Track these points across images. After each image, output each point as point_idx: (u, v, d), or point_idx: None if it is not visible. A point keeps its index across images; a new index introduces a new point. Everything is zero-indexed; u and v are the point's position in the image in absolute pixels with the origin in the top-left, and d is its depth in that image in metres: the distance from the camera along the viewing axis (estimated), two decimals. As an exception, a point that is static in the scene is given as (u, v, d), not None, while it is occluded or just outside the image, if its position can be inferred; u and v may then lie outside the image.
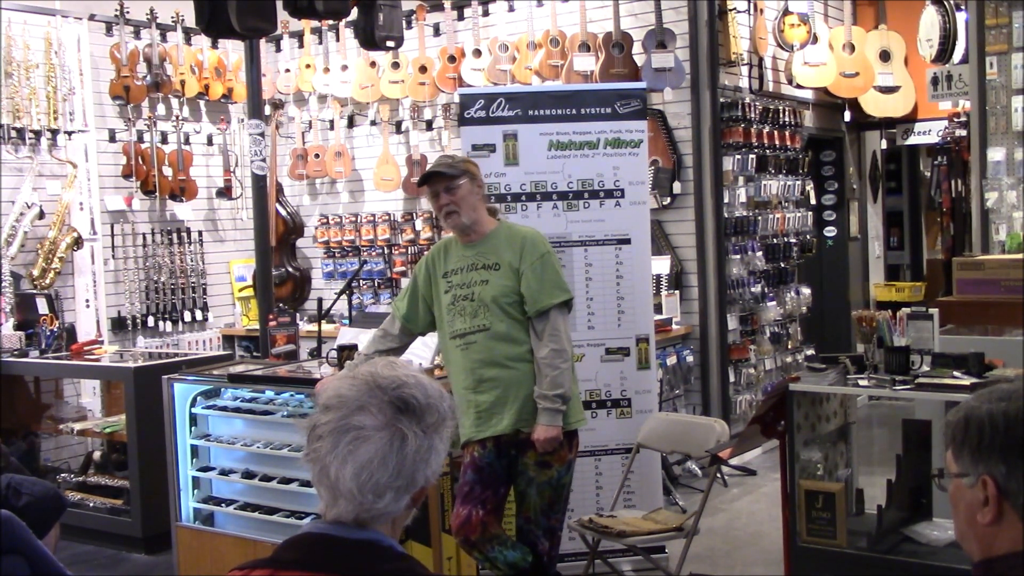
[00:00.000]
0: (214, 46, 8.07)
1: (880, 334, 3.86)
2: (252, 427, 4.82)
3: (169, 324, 7.81)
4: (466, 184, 3.79)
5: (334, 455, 1.57)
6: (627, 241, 5.05)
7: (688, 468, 6.50)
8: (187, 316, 7.92)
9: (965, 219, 7.37)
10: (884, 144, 8.86)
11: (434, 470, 1.63)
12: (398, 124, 7.96)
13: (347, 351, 4.45)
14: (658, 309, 6.30)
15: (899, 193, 9.54)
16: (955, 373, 3.67)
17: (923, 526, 3.78)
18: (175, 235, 7.90)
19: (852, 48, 7.63)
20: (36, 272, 6.88)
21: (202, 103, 8.14)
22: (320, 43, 8.18)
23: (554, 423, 3.70)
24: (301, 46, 8.34)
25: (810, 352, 7.66)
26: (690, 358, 6.73)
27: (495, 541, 3.74)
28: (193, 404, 4.94)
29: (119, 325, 7.51)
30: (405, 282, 7.51)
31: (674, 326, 6.66)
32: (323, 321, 6.12)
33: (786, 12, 7.26)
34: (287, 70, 8.36)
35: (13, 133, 6.82)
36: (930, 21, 6.96)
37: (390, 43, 5.58)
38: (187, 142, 7.91)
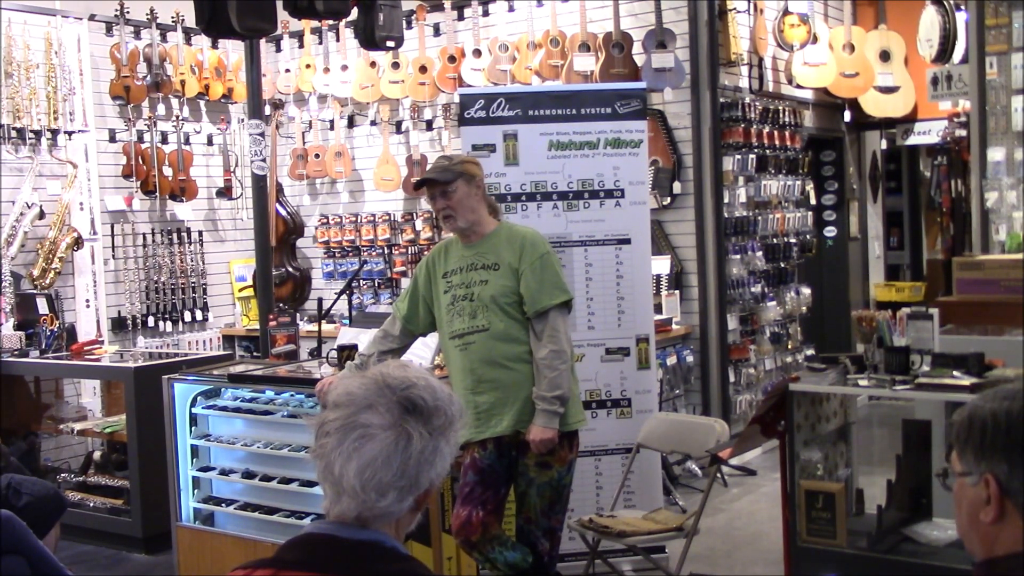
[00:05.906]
0: (214, 46, 8.06)
1: (880, 334, 3.86)
2: (252, 427, 4.82)
3: (169, 324, 7.81)
4: (461, 187, 3.79)
5: (339, 452, 1.58)
6: (627, 241, 5.05)
7: (688, 468, 6.50)
8: (187, 316, 7.92)
9: (965, 219, 7.37)
10: (884, 144, 8.86)
11: (439, 472, 1.63)
12: (398, 124, 7.96)
13: (347, 351, 4.46)
14: (658, 309, 6.30)
15: (899, 193, 9.54)
16: (955, 373, 3.67)
17: (923, 526, 3.78)
18: (175, 235, 7.89)
19: (852, 48, 7.63)
20: (36, 272, 6.88)
21: (202, 103, 8.14)
22: (320, 43, 8.18)
23: (550, 425, 3.69)
24: (301, 46, 8.33)
25: (810, 352, 7.67)
26: (690, 358, 6.73)
27: (495, 542, 3.75)
28: (193, 404, 4.94)
29: (119, 325, 7.51)
30: (405, 282, 7.54)
31: (674, 326, 6.66)
32: (323, 321, 6.12)
33: (786, 12, 7.26)
34: (287, 70, 8.36)
35: (13, 133, 6.81)
36: (930, 21, 6.96)
37: (390, 43, 5.58)
38: (187, 142, 7.90)
